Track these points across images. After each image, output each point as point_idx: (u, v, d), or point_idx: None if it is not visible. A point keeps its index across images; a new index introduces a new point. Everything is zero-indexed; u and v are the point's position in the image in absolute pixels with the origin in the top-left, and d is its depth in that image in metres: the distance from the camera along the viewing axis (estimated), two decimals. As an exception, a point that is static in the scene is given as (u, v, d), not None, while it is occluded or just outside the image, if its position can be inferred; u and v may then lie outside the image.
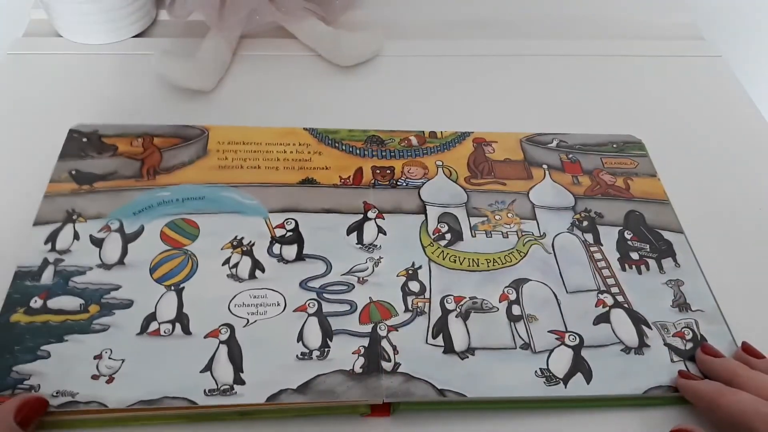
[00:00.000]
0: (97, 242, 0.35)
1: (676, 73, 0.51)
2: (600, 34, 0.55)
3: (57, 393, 0.29)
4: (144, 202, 0.37)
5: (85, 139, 0.40)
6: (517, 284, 0.35)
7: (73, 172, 0.38)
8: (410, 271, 0.35)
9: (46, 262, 0.34)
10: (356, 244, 0.36)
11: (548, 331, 0.33)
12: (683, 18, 0.57)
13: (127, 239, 0.35)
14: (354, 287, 0.34)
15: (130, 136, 0.41)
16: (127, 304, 0.32)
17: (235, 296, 0.33)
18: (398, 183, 0.40)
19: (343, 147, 0.42)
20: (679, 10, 0.57)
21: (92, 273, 0.33)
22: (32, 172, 0.39)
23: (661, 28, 0.55)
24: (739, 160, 0.44)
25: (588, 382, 0.31)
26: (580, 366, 0.32)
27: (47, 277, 0.33)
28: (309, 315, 0.33)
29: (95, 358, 0.30)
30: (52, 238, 0.35)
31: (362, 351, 0.31)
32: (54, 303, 0.32)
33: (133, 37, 0.51)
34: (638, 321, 0.34)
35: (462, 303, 0.34)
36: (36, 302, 0.32)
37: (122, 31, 0.50)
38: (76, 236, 0.35)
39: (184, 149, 0.40)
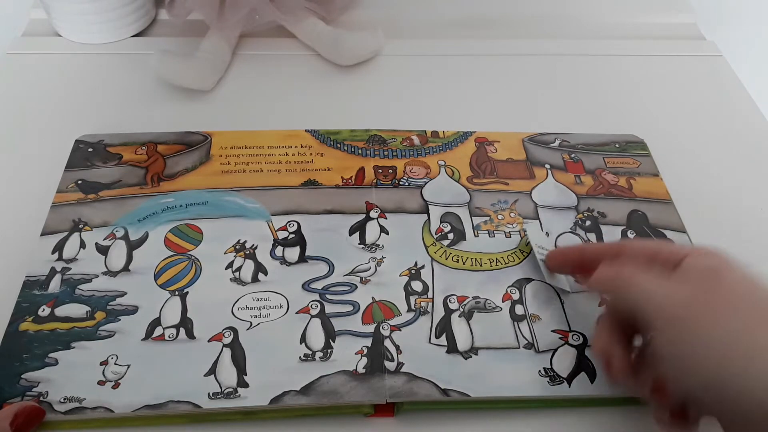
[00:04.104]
0: (103, 250, 0.35)
1: (677, 72, 0.51)
2: (602, 34, 0.54)
3: (65, 399, 0.29)
4: (148, 208, 0.37)
5: (90, 149, 0.41)
6: (520, 284, 0.35)
7: (79, 182, 0.39)
8: (413, 271, 0.35)
9: (53, 271, 0.34)
10: (359, 244, 0.36)
11: (552, 331, 0.33)
12: (684, 18, 0.56)
13: (132, 246, 0.36)
14: (357, 287, 0.34)
15: (134, 144, 0.41)
16: (132, 310, 0.33)
17: (238, 299, 0.33)
18: (400, 182, 0.40)
19: (345, 147, 0.42)
20: (680, 10, 0.57)
21: (98, 280, 0.34)
22: (37, 181, 0.39)
23: (662, 28, 0.55)
24: (741, 160, 0.44)
25: (592, 382, 0.31)
26: (583, 365, 0.32)
27: (55, 285, 0.33)
28: (312, 316, 0.33)
29: (101, 364, 0.31)
30: (59, 248, 0.35)
31: (365, 351, 0.31)
32: (61, 311, 0.32)
33: (133, 36, 0.51)
34: (641, 320, 0.34)
35: (465, 303, 0.34)
36: (44, 311, 0.32)
37: (121, 30, 0.50)
38: (83, 245, 0.35)
39: (188, 155, 0.41)
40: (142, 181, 0.39)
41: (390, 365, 0.31)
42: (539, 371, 0.31)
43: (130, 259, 0.35)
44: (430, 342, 0.32)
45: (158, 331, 0.32)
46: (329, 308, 0.33)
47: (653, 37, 0.54)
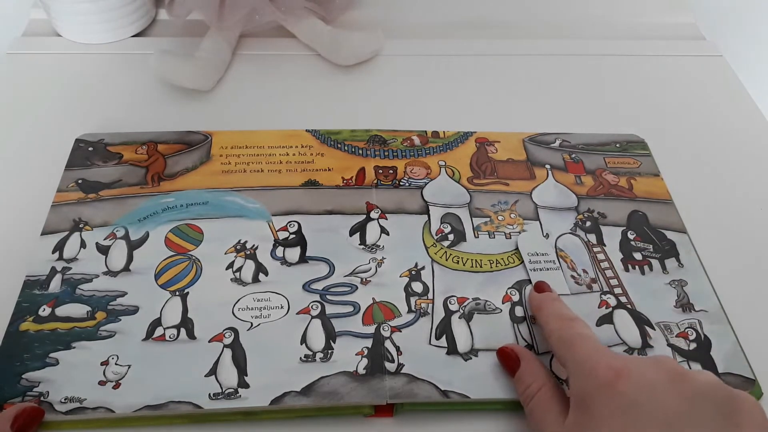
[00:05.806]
0: (103, 250, 0.35)
1: (678, 72, 0.51)
2: (602, 34, 0.54)
3: (65, 399, 0.29)
4: (149, 208, 0.37)
5: (91, 149, 0.41)
6: (520, 285, 0.35)
7: (80, 181, 0.39)
8: (413, 272, 0.35)
9: (54, 271, 0.34)
10: (359, 244, 0.36)
11: (551, 332, 0.33)
12: (684, 18, 0.56)
13: (133, 246, 0.36)
14: (357, 288, 0.34)
15: (134, 143, 0.41)
16: (133, 311, 0.33)
17: (239, 300, 0.33)
18: (401, 183, 0.40)
19: (346, 147, 0.42)
20: (680, 10, 0.57)
21: (99, 280, 0.34)
22: (37, 180, 0.39)
23: (662, 28, 0.55)
24: (742, 160, 0.44)
25: (591, 383, 0.31)
26: (582, 366, 0.32)
27: (55, 285, 0.33)
28: (312, 317, 0.33)
29: (102, 364, 0.31)
30: (59, 247, 0.35)
31: (365, 352, 0.31)
32: (62, 311, 0.32)
33: (133, 36, 0.51)
34: (641, 322, 0.34)
35: (465, 304, 0.34)
36: (44, 310, 0.32)
37: (121, 30, 0.50)
38: (83, 244, 0.35)
39: (188, 155, 0.41)
40: (142, 180, 0.39)
41: (390, 366, 0.31)
42: (539, 372, 0.31)
43: (130, 259, 0.35)
44: (430, 343, 0.32)
45: (159, 332, 0.32)
46: (330, 309, 0.33)
47: (654, 37, 0.54)
